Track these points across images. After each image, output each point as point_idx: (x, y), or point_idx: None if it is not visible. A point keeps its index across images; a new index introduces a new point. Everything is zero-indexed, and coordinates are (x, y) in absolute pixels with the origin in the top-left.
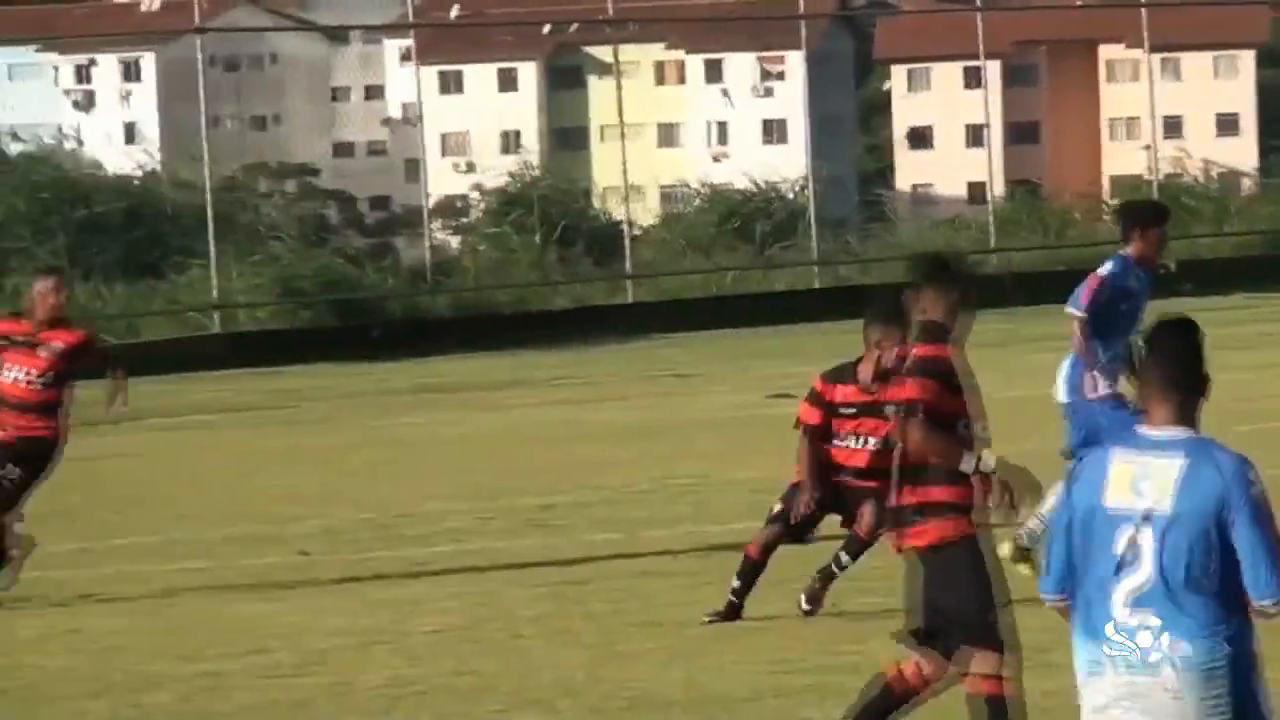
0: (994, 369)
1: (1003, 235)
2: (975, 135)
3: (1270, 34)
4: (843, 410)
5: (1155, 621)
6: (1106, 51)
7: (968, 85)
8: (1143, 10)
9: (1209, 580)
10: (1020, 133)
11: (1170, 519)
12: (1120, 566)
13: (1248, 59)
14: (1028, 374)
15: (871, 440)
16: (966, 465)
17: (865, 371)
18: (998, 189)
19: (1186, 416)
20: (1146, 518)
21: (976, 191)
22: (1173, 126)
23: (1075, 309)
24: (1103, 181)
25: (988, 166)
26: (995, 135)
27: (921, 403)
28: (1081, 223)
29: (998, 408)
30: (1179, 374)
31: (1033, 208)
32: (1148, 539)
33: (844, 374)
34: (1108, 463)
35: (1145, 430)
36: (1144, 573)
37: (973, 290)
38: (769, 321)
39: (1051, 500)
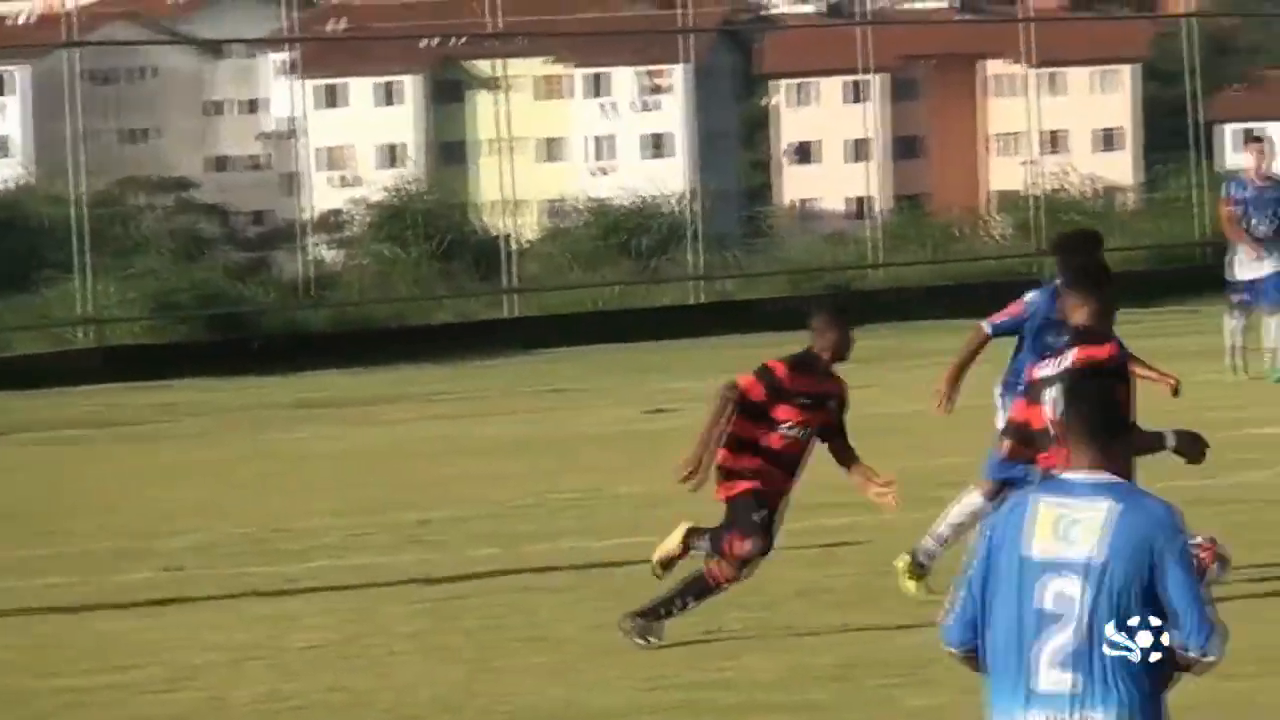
0: (877, 384)
1: (887, 250)
2: (859, 150)
3: (1152, 49)
4: (799, 400)
5: (1079, 680)
6: (989, 66)
7: (852, 99)
8: (1026, 25)
9: (1143, 636)
10: (904, 147)
11: (1095, 566)
12: (1045, 618)
13: (1129, 74)
14: (911, 389)
15: (804, 432)
16: None
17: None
18: (882, 204)
19: (1111, 462)
20: (1073, 566)
21: (861, 206)
22: (1055, 141)
23: (984, 322)
24: (986, 196)
25: (871, 181)
26: (879, 150)
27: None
28: (964, 237)
29: (880, 424)
30: (1103, 419)
31: (916, 222)
32: (1074, 589)
33: (808, 365)
34: (1031, 509)
35: (1070, 475)
36: (1070, 626)
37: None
38: (652, 336)
39: (947, 528)
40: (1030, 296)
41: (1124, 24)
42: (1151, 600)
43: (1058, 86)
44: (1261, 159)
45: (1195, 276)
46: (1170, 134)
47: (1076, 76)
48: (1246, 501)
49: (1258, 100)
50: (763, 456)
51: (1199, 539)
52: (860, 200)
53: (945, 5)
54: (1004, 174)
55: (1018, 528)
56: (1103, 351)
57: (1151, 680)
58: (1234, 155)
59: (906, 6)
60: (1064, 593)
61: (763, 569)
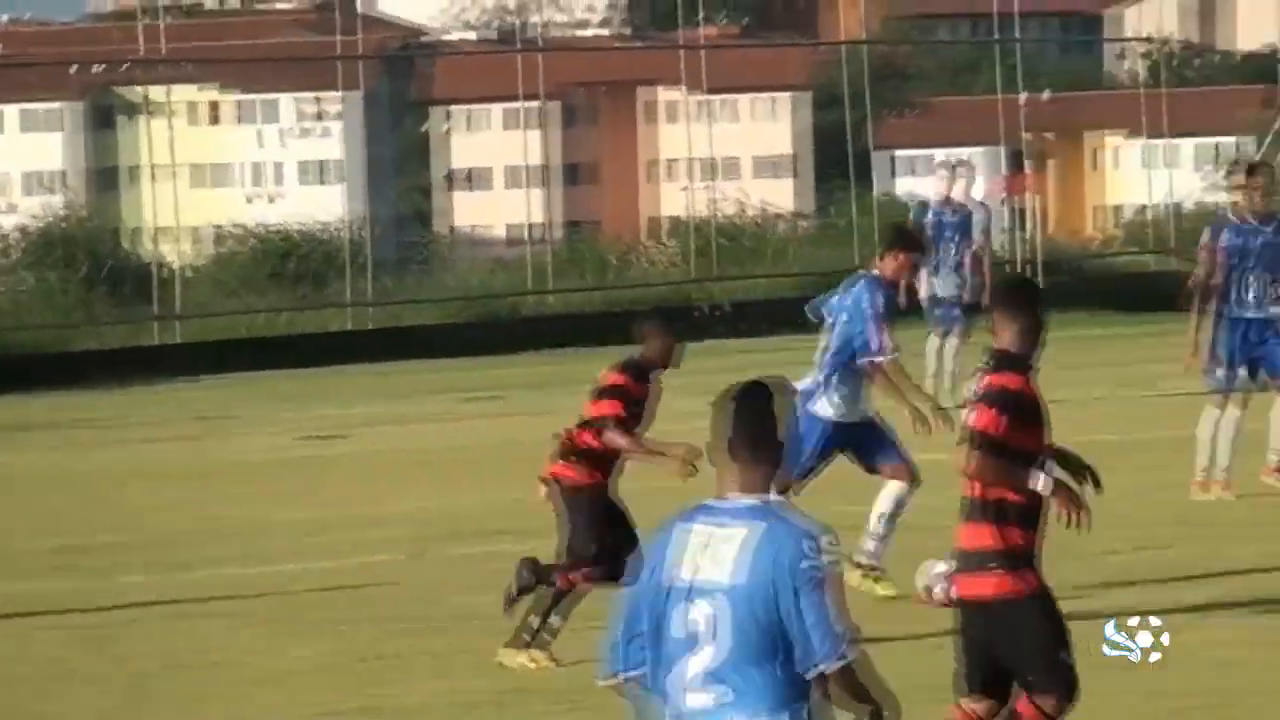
0: (549, 411)
1: (554, 276)
2: (527, 176)
3: (818, 76)
4: (634, 408)
5: (724, 699)
6: (656, 93)
7: (519, 126)
8: (692, 52)
9: (776, 655)
10: (573, 173)
11: (734, 590)
12: (691, 640)
13: (796, 101)
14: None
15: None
16: None
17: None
18: (549, 230)
19: (759, 483)
20: (716, 589)
21: (528, 232)
22: (722, 168)
23: (886, 355)
24: (653, 222)
25: (533, 207)
26: (547, 176)
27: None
28: (632, 263)
29: (539, 451)
30: (751, 440)
31: (584, 248)
32: (716, 611)
33: (644, 373)
34: (678, 535)
35: (716, 500)
36: (712, 648)
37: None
38: (313, 363)
39: (880, 524)
40: (876, 301)
41: (790, 51)
42: (792, 622)
43: (725, 113)
44: (951, 184)
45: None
46: (836, 161)
47: (743, 103)
48: (913, 529)
49: (924, 127)
50: (603, 470)
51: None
52: (528, 226)
53: (612, 32)
54: (672, 200)
55: (669, 552)
56: (1013, 382)
57: (791, 696)
58: (901, 181)
59: (574, 33)
60: (708, 615)
61: (430, 595)
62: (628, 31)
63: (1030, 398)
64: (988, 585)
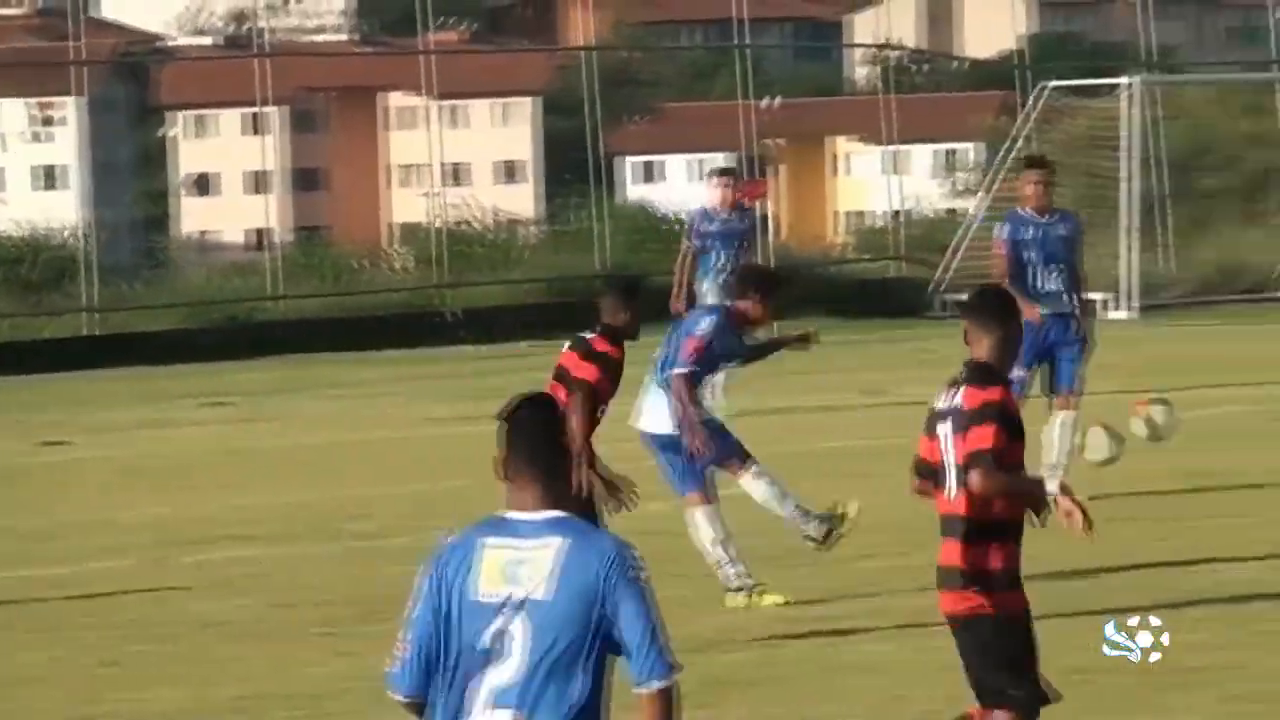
0: (278, 417)
1: (287, 282)
2: (259, 182)
3: (552, 81)
4: (614, 374)
5: (519, 712)
6: (391, 99)
7: (251, 131)
8: (426, 58)
9: (582, 674)
10: (305, 179)
11: (545, 606)
12: (488, 657)
13: (531, 106)
14: (318, 420)
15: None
16: None
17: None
18: (282, 236)
19: (557, 498)
20: (520, 605)
21: (261, 238)
22: (457, 173)
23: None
24: (388, 228)
25: (270, 213)
26: (279, 182)
27: None
28: (366, 270)
29: (283, 456)
30: (543, 454)
31: (317, 255)
32: (519, 628)
33: (618, 337)
34: (477, 551)
35: (514, 515)
36: (511, 665)
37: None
38: (42, 369)
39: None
40: (704, 327)
41: (525, 56)
42: (606, 635)
43: (459, 119)
44: (728, 191)
45: (594, 308)
46: (572, 167)
47: (478, 109)
48: (656, 533)
49: (658, 133)
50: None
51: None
52: (260, 232)
53: (345, 38)
54: (406, 206)
55: (463, 570)
56: (992, 395)
57: (591, 716)
58: (636, 188)
59: (306, 39)
60: (507, 631)
61: (167, 601)
62: (359, 37)
63: (1013, 410)
64: (964, 602)
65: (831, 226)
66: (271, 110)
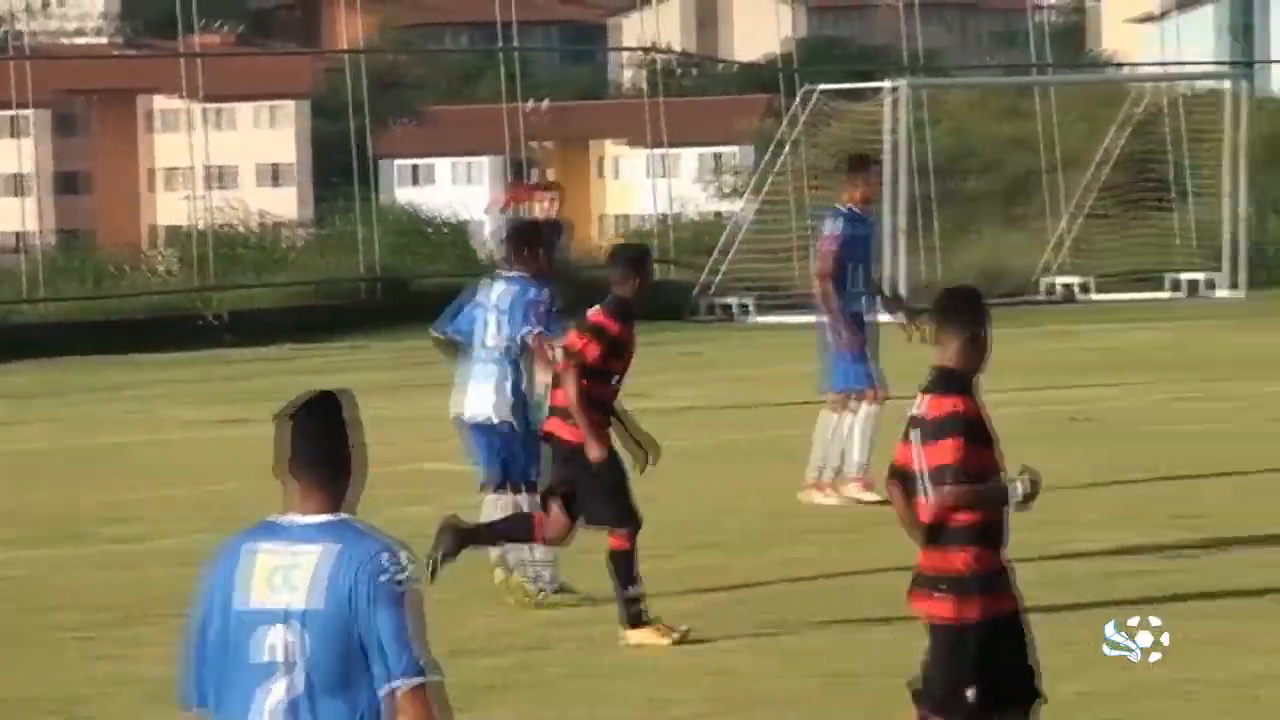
0: (36, 420)
1: (45, 285)
2: (18, 184)
3: (319, 84)
4: (626, 351)
5: None
6: (154, 101)
7: (9, 134)
8: (190, 60)
9: (353, 685)
10: (66, 182)
11: (312, 614)
12: (264, 671)
13: (296, 109)
14: (79, 424)
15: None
16: None
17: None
18: (41, 239)
19: (334, 500)
20: (293, 615)
21: (18, 241)
22: (222, 176)
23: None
24: (150, 231)
25: (29, 216)
26: (38, 185)
27: None
28: (127, 273)
29: (29, 461)
30: (322, 454)
31: (78, 258)
32: (295, 639)
33: (628, 313)
34: (244, 556)
35: (287, 518)
36: (288, 677)
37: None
38: None
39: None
40: (538, 294)
41: (291, 59)
42: (372, 644)
43: (224, 121)
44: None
45: (360, 311)
46: (339, 170)
47: (244, 111)
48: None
49: (425, 135)
50: (603, 411)
51: None
52: (18, 235)
53: (107, 40)
54: (170, 209)
55: (234, 578)
56: (953, 404)
57: None
58: (401, 190)
59: (66, 41)
60: (281, 642)
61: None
62: (122, 40)
63: (976, 417)
64: (935, 607)
65: (598, 230)
66: (30, 113)
